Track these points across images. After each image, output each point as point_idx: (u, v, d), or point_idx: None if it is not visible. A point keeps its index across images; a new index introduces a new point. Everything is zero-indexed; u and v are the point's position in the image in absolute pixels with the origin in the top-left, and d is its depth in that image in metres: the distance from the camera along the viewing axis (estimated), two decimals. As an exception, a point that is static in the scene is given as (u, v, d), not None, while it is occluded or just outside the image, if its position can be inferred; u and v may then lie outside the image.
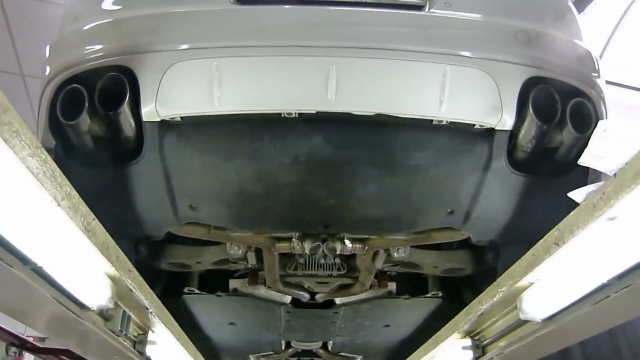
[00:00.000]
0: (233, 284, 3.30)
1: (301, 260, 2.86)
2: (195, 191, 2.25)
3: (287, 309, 3.50)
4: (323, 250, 2.48)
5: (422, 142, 2.14)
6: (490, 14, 2.18)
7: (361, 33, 2.07)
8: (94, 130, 2.08)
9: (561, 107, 2.03)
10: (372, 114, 1.99)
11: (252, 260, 2.76)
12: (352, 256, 2.77)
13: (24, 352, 4.47)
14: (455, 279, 3.20)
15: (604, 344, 5.15)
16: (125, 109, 2.01)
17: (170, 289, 3.23)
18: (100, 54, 2.09)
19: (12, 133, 1.04)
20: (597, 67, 2.27)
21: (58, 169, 1.25)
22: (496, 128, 2.07)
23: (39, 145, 1.15)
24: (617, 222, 1.31)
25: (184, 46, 2.03)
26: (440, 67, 2.01)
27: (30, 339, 4.56)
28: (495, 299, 2.03)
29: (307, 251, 2.48)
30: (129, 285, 1.88)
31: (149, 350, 2.57)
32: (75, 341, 2.34)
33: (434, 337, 2.90)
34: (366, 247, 2.57)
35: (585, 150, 1.39)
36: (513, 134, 2.11)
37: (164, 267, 2.90)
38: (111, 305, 1.91)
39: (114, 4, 2.23)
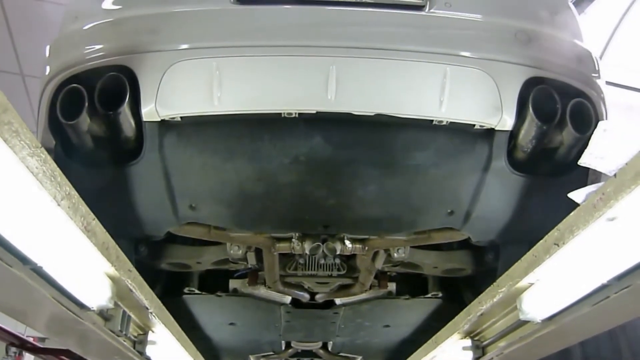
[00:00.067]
0: (233, 284, 3.29)
1: (301, 261, 2.86)
2: (195, 191, 2.25)
3: (287, 309, 3.50)
4: (323, 251, 2.48)
5: (422, 142, 2.14)
6: (490, 14, 2.18)
7: (361, 33, 2.07)
8: (94, 130, 2.08)
9: (561, 108, 2.03)
10: (372, 114, 1.99)
11: (252, 260, 2.76)
12: (352, 256, 2.77)
13: (24, 352, 4.46)
14: (455, 279, 3.20)
15: (604, 344, 5.15)
16: (125, 109, 2.01)
17: (170, 289, 3.23)
18: (100, 53, 2.09)
19: (11, 133, 1.04)
20: (597, 68, 2.27)
21: (58, 168, 1.25)
22: (496, 128, 2.07)
23: (38, 145, 1.15)
24: (617, 222, 1.31)
25: (184, 46, 2.03)
26: (441, 67, 2.01)
27: (30, 339, 4.56)
28: (495, 300, 2.03)
29: (307, 251, 2.48)
30: (129, 285, 1.88)
31: (149, 350, 2.57)
32: (75, 341, 2.33)
33: (434, 337, 2.90)
34: (366, 248, 2.57)
35: (585, 150, 1.39)
36: (513, 134, 2.11)
37: (164, 267, 2.90)
38: (111, 305, 1.91)
39: (114, 3, 2.23)
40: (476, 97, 2.04)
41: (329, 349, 4.54)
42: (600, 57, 2.88)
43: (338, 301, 3.43)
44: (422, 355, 3.18)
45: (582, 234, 1.40)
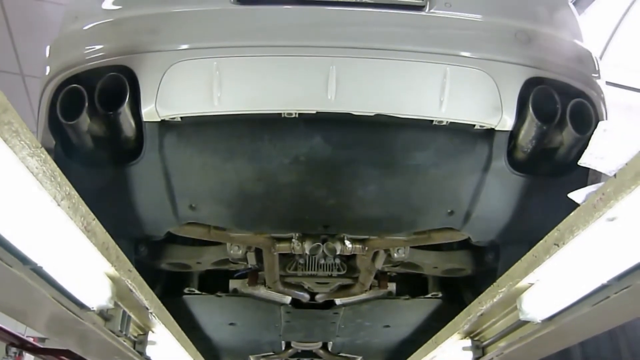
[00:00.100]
0: (233, 284, 3.29)
1: (301, 261, 2.86)
2: (195, 191, 2.25)
3: (287, 309, 3.50)
4: (323, 251, 2.48)
5: (422, 142, 2.14)
6: (490, 14, 2.18)
7: (361, 33, 2.07)
8: (94, 130, 2.08)
9: (561, 108, 2.03)
10: (372, 114, 1.99)
11: (252, 260, 2.76)
12: (352, 257, 2.77)
13: (24, 353, 4.46)
14: (455, 279, 3.20)
15: (604, 344, 5.15)
16: (125, 109, 2.01)
17: (170, 289, 3.23)
18: (101, 53, 2.09)
19: (11, 133, 1.04)
20: (597, 68, 2.27)
21: (58, 168, 1.25)
22: (496, 128, 2.07)
23: (38, 145, 1.15)
24: (617, 222, 1.31)
25: (184, 46, 2.03)
26: (441, 67, 2.01)
27: (30, 339, 4.56)
28: (495, 300, 2.03)
29: (307, 251, 2.48)
30: (129, 285, 1.88)
31: (149, 350, 2.57)
32: (75, 341, 2.33)
33: (434, 337, 2.90)
34: (366, 248, 2.57)
35: (585, 150, 1.39)
36: (513, 134, 2.11)
37: (164, 267, 2.90)
38: (111, 306, 1.91)
39: (114, 3, 2.23)
40: (476, 97, 2.04)
41: (329, 349, 4.54)
42: (600, 57, 2.88)
43: (338, 301, 3.43)
44: (422, 355, 3.18)
45: (582, 234, 1.40)
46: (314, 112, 2.00)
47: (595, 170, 1.38)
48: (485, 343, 2.55)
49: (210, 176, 2.20)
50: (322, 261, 2.84)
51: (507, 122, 2.05)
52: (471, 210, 2.26)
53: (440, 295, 3.36)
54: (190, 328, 3.28)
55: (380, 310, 3.51)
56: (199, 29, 2.08)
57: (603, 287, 1.63)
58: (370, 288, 3.12)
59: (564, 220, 1.48)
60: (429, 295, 3.38)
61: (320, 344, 4.52)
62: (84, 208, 1.42)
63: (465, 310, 2.40)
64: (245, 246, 2.68)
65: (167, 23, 2.09)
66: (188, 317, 3.45)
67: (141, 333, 2.54)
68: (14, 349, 4.16)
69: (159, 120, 2.03)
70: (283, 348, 4.45)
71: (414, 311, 3.52)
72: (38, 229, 1.38)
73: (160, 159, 2.11)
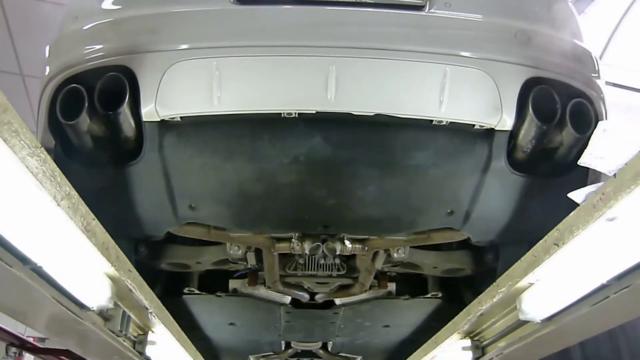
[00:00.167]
0: (233, 284, 3.30)
1: (301, 261, 2.86)
2: (195, 191, 2.25)
3: (287, 309, 3.50)
4: (323, 251, 2.48)
5: (422, 142, 2.14)
6: (490, 14, 2.18)
7: (361, 33, 2.07)
8: (94, 130, 2.08)
9: (561, 108, 2.03)
10: (372, 114, 1.99)
11: (251, 260, 2.76)
12: (352, 257, 2.77)
13: (24, 353, 4.47)
14: (455, 279, 3.20)
15: (604, 344, 5.15)
16: (125, 109, 2.01)
17: (170, 289, 3.23)
18: (100, 53, 2.09)
19: (11, 133, 1.04)
20: (597, 68, 2.27)
21: (57, 168, 1.25)
22: (496, 128, 2.07)
23: (38, 145, 1.15)
24: (617, 222, 1.31)
25: (184, 46, 2.03)
26: (440, 67, 2.01)
27: (30, 339, 4.56)
28: (495, 300, 2.03)
29: (306, 251, 2.48)
30: (129, 285, 1.88)
31: (149, 350, 2.57)
32: (75, 341, 2.33)
33: (433, 337, 2.90)
34: (366, 248, 2.57)
35: (585, 150, 1.39)
36: (513, 134, 2.11)
37: (163, 267, 2.90)
38: (111, 306, 1.91)
39: (114, 3, 2.23)
40: (476, 97, 2.04)
41: (329, 349, 4.54)
42: (600, 57, 2.88)
43: (338, 301, 3.43)
44: (422, 355, 3.18)
45: (581, 234, 1.40)
46: (314, 112, 2.00)
47: (595, 170, 1.38)
48: (485, 343, 2.55)
49: (210, 176, 2.20)
50: (322, 261, 2.84)
51: (506, 122, 2.05)
52: (471, 210, 2.27)
53: (440, 295, 3.36)
54: (190, 328, 3.28)
55: (380, 310, 3.51)
56: (198, 29, 2.08)
57: (603, 287, 1.63)
58: (370, 288, 3.12)
59: (564, 220, 1.48)
60: (429, 295, 3.38)
61: (320, 344, 4.52)
62: (83, 208, 1.42)
63: (465, 310, 2.40)
64: (245, 246, 2.68)
65: (167, 23, 2.09)
66: (188, 317, 3.45)
67: (141, 333, 2.54)
68: (14, 349, 4.16)
69: (158, 120, 2.03)
70: (283, 348, 4.45)
71: (414, 311, 3.52)
72: (38, 229, 1.38)
73: (160, 159, 2.11)
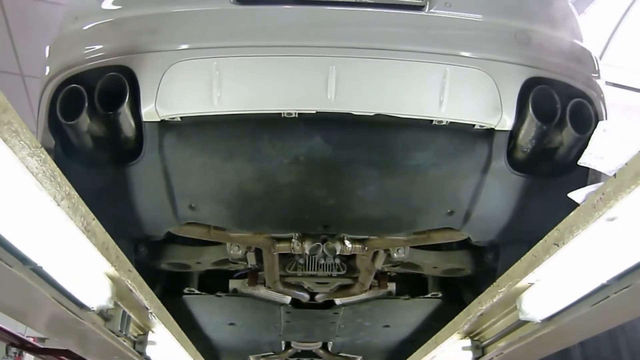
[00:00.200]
0: (233, 284, 3.29)
1: (301, 261, 2.86)
2: (195, 191, 2.25)
3: (287, 309, 3.50)
4: (323, 251, 2.48)
5: (422, 142, 2.14)
6: (490, 14, 2.18)
7: (361, 33, 2.07)
8: (94, 130, 2.08)
9: (561, 108, 2.03)
10: (372, 114, 1.99)
11: (252, 260, 2.76)
12: (352, 257, 2.77)
13: (24, 353, 4.47)
14: (455, 279, 3.20)
15: (604, 344, 5.15)
16: (125, 109, 2.01)
17: (170, 289, 3.23)
18: (100, 53, 2.09)
19: (11, 133, 1.04)
20: (597, 68, 2.27)
21: (57, 168, 1.25)
22: (496, 128, 2.07)
23: (38, 145, 1.15)
24: (617, 222, 1.31)
25: (184, 46, 2.03)
26: (440, 67, 2.01)
27: (30, 339, 4.56)
28: (495, 300, 2.03)
29: (307, 251, 2.48)
30: (129, 285, 1.88)
31: (149, 350, 2.57)
32: (75, 341, 2.33)
33: (433, 337, 2.90)
34: (366, 248, 2.57)
35: (585, 150, 1.39)
36: (513, 134, 2.11)
37: (163, 267, 2.90)
38: (111, 306, 1.91)
39: (114, 3, 2.23)
40: (476, 97, 2.04)
41: (329, 349, 4.54)
42: (600, 57, 2.88)
43: (338, 301, 3.43)
44: (422, 355, 3.18)
45: (581, 234, 1.40)
46: (314, 112, 2.00)
47: (595, 170, 1.38)
48: (485, 343, 2.55)
49: (210, 176, 2.20)
50: (322, 261, 2.84)
51: (506, 122, 2.05)
52: (471, 210, 2.27)
53: (440, 295, 3.36)
54: (190, 328, 3.28)
55: (380, 310, 3.51)
56: (198, 29, 2.08)
57: (603, 287, 1.63)
58: (370, 288, 3.12)
59: (564, 220, 1.48)
60: (429, 295, 3.38)
61: (320, 344, 4.52)
62: (83, 208, 1.42)
63: (465, 310, 2.40)
64: (245, 246, 2.68)
65: (167, 23, 2.09)
66: (188, 317, 3.45)
67: (141, 333, 2.54)
68: (14, 349, 4.17)
69: (158, 120, 2.03)
70: (283, 348, 4.45)
71: (414, 311, 3.52)
72: (38, 229, 1.38)
73: (160, 159, 2.11)
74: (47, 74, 2.16)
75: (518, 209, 2.26)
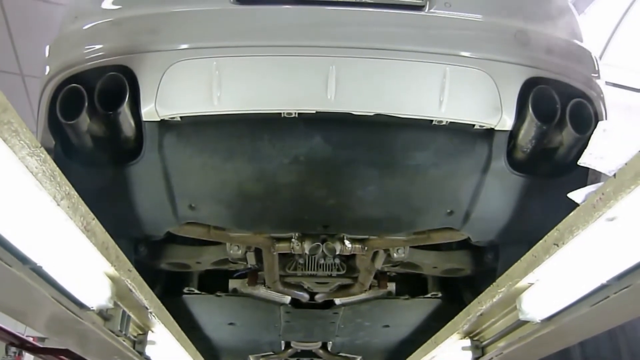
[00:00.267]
0: (233, 284, 3.30)
1: (301, 261, 2.86)
2: (195, 191, 2.25)
3: (287, 309, 3.50)
4: (323, 251, 2.48)
5: (421, 142, 2.14)
6: (490, 14, 2.18)
7: (361, 33, 2.07)
8: (94, 130, 2.08)
9: (561, 108, 2.03)
10: (372, 114, 1.99)
11: (251, 260, 2.76)
12: (352, 256, 2.77)
13: (23, 352, 4.48)
14: (455, 279, 3.20)
15: (604, 344, 5.15)
16: (125, 109, 2.01)
17: (170, 289, 3.23)
18: (100, 53, 2.09)
19: (11, 132, 1.04)
20: (596, 68, 2.27)
21: (57, 168, 1.25)
22: (496, 128, 2.07)
23: (38, 144, 1.15)
24: (617, 222, 1.31)
25: (184, 46, 2.03)
26: (440, 67, 2.01)
27: (30, 339, 4.56)
28: (494, 300, 2.03)
29: (306, 251, 2.48)
30: (129, 285, 1.88)
31: (149, 350, 2.57)
32: (75, 341, 2.33)
33: (433, 337, 2.90)
34: (366, 248, 2.57)
35: (585, 150, 1.39)
36: (513, 134, 2.11)
37: (163, 267, 2.90)
38: (111, 305, 1.91)
39: (114, 3, 2.23)
40: (476, 97, 2.04)
41: (329, 349, 4.54)
42: (600, 57, 2.88)
43: (338, 301, 3.43)
44: (422, 355, 3.18)
45: (581, 234, 1.40)
46: (314, 112, 2.00)
47: (595, 170, 1.38)
48: (484, 343, 2.55)
49: (210, 176, 2.20)
50: (322, 261, 2.84)
51: (506, 122, 2.05)
52: (471, 210, 2.27)
53: (439, 295, 3.36)
54: (189, 328, 3.28)
55: (380, 310, 3.51)
56: (198, 29, 2.08)
57: (603, 287, 1.63)
58: (370, 288, 3.12)
59: (564, 220, 1.48)
60: (429, 295, 3.38)
61: (319, 343, 4.52)
62: (83, 208, 1.42)
63: (464, 310, 2.40)
64: (245, 246, 2.68)
65: (167, 23, 2.09)
66: (188, 317, 3.45)
67: (141, 333, 2.54)
68: (13, 349, 4.18)
69: (158, 120, 2.03)
70: (282, 348, 4.45)
71: (414, 311, 3.52)
72: (38, 229, 1.38)
73: (160, 158, 2.11)
74: (47, 73, 2.16)
75: (518, 209, 2.26)
